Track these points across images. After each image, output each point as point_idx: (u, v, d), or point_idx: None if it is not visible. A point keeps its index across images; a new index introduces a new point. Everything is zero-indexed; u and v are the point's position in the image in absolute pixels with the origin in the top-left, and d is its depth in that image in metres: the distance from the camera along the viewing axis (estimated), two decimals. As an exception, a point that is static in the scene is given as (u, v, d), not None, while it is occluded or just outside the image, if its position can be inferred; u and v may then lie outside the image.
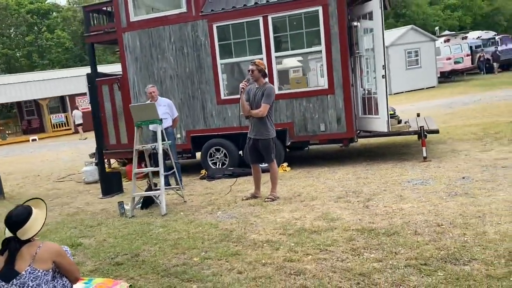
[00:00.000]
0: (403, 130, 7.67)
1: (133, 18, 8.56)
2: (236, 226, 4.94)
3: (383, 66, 7.27)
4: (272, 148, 5.93)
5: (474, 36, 28.18)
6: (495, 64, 26.30)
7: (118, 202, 6.18)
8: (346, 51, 7.45)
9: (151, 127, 7.05)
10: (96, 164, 9.52)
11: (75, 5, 39.88)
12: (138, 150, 6.31)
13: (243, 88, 5.87)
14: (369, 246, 3.86)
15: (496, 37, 29.37)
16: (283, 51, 8.00)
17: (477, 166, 6.45)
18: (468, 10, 40.63)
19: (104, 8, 9.35)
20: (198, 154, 8.95)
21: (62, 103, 25.42)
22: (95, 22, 9.15)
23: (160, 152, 6.09)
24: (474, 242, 3.64)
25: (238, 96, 8.12)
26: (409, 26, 24.37)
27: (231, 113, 8.26)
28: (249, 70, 5.94)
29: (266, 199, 5.93)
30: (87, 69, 25.97)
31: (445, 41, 25.34)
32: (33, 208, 3.11)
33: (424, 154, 7.31)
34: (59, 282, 3.06)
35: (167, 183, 7.23)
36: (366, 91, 7.95)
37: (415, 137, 9.08)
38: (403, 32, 23.75)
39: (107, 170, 9.99)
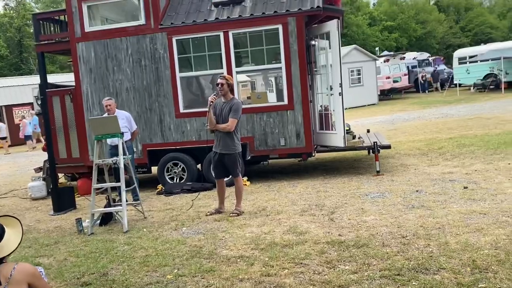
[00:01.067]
0: (358, 145, 8.01)
1: (88, 28, 8.30)
2: (205, 242, 4.89)
3: (339, 84, 7.58)
4: (238, 162, 5.97)
5: (410, 57, 30.03)
6: (434, 84, 28.20)
7: (76, 219, 5.91)
8: (305, 68, 7.69)
9: (109, 141, 6.82)
10: (44, 179, 9.06)
11: (11, 12, 37.79)
12: (98, 164, 6.08)
13: (211, 101, 5.87)
14: (342, 258, 3.99)
15: (430, 58, 31.60)
16: (244, 66, 8.10)
17: (427, 180, 6.86)
18: (404, 32, 43.25)
19: (56, 17, 8.98)
20: (154, 169, 8.78)
21: (-2, 114, 23.83)
22: (46, 30, 8.75)
23: (122, 166, 5.92)
24: (439, 252, 3.88)
25: (197, 110, 8.26)
26: (352, 46, 25.50)
27: (190, 126, 8.20)
28: (217, 84, 5.96)
29: (231, 214, 5.92)
30: (26, 79, 24.56)
31: (385, 61, 26.80)
32: (4, 226, 2.92)
33: (377, 168, 7.66)
34: None
35: (126, 199, 7.01)
36: (323, 108, 8.22)
37: (365, 152, 9.56)
38: (347, 52, 24.80)
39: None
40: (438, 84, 27.73)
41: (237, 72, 7.98)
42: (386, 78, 26.60)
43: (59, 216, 7.03)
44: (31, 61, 34.20)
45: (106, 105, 7.04)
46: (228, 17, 7.86)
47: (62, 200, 7.32)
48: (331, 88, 9.41)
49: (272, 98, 8.76)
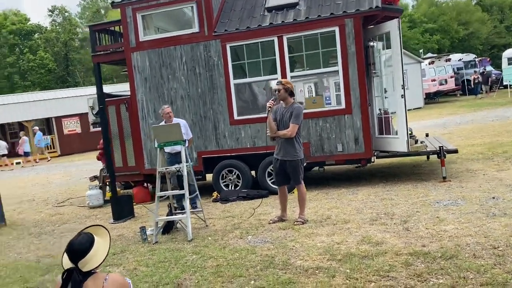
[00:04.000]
0: (421, 150, 7.64)
1: (142, 38, 8.38)
2: (275, 252, 4.72)
3: (402, 85, 7.27)
4: (300, 169, 5.77)
5: (456, 58, 29.00)
6: (484, 87, 26.84)
7: (140, 228, 5.88)
8: (363, 70, 7.44)
9: (168, 149, 6.78)
10: (100, 188, 9.19)
11: (57, 27, 39.39)
12: (161, 172, 6.04)
13: (270, 107, 5.73)
14: (432, 271, 3.71)
15: (476, 60, 30.39)
16: (299, 71, 7.93)
17: (501, 186, 6.43)
18: (446, 34, 41.94)
19: (111, 28, 9.15)
20: (209, 176, 8.71)
21: (47, 125, 24.74)
22: (101, 42, 8.92)
23: (185, 174, 5.85)
24: (544, 265, 3.54)
25: (252, 116, 8.16)
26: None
27: (245, 133, 8.10)
28: (275, 90, 5.82)
29: (296, 222, 5.73)
30: (74, 91, 25.36)
31: (429, 63, 25.97)
32: (94, 236, 2.85)
33: (444, 174, 7.27)
34: None
35: (182, 207, 6.95)
36: (383, 111, 7.92)
37: (424, 157, 9.14)
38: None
39: (107, 193, 9.66)
40: (488, 86, 26.42)
41: (292, 77, 7.81)
42: (432, 81, 25.76)
43: (119, 225, 7.06)
44: (77, 74, 35.43)
45: (167, 112, 7.02)
46: (282, 21, 7.73)
47: (121, 209, 7.35)
48: (385, 91, 9.12)
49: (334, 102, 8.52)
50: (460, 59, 29.28)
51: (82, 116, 24.06)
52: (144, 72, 8.47)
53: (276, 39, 7.76)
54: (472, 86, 25.59)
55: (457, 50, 37.59)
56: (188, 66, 8.25)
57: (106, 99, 8.66)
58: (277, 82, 5.91)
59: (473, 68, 28.59)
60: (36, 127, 22.01)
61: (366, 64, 7.61)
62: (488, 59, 34.19)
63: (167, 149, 7.05)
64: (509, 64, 25.31)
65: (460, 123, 15.97)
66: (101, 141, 9.82)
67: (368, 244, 4.61)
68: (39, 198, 11.00)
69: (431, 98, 26.30)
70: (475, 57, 30.80)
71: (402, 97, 7.28)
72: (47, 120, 24.41)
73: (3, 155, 20.65)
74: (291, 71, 7.78)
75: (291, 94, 5.79)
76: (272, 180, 7.99)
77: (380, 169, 9.15)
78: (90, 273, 2.73)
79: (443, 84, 26.38)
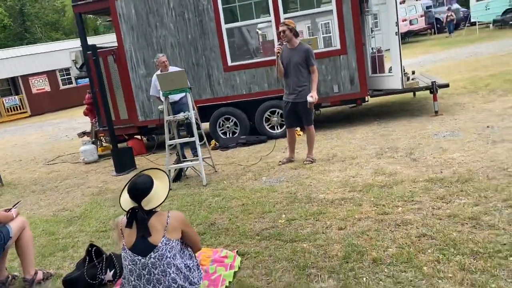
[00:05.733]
0: (415, 86, 7.86)
1: (126, -16, 8.01)
2: (295, 189, 4.91)
3: (396, 23, 7.34)
4: (312, 110, 5.87)
5: (426, -3, 29.06)
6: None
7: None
8: (357, 9, 7.44)
9: (172, 97, 6.69)
10: (94, 143, 9.08)
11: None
12: (169, 120, 6.02)
13: (278, 52, 5.73)
14: (453, 193, 3.99)
15: (444, -3, 30.59)
16: (292, 12, 7.84)
17: (492, 116, 6.77)
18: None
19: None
20: (205, 125, 8.71)
21: (13, 85, 23.64)
22: (81, -10, 8.45)
23: (193, 121, 5.86)
24: (555, 180, 3.86)
25: (246, 62, 8.11)
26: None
27: (240, 80, 8.07)
28: (280, 32, 5.79)
29: (305, 162, 5.91)
30: (39, 47, 24.10)
31: (400, 3, 25.95)
32: (153, 178, 2.91)
33: (436, 109, 7.56)
34: (185, 252, 2.93)
35: (184, 155, 7.00)
36: (376, 50, 8.02)
37: (410, 94, 9.42)
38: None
39: (99, 148, 9.57)
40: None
41: (286, 18, 7.71)
42: (403, 21, 25.87)
43: (123, 176, 7.07)
44: (38, 29, 33.48)
45: (162, 61, 6.87)
46: (273, -39, 7.52)
47: (123, 160, 7.33)
48: (372, 31, 9.17)
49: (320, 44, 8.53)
50: (429, -3, 29.37)
51: (50, 74, 23.11)
52: (130, 21, 8.16)
53: (267, -20, 7.58)
54: (444, 24, 25.76)
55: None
56: (177, 12, 8.00)
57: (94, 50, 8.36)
58: (281, 23, 5.85)
59: (442, 6, 28.83)
60: None
61: (359, 1, 7.59)
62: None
63: (171, 97, 6.96)
64: (477, 0, 25.63)
65: (435, 61, 16.34)
66: (87, 95, 9.59)
67: (382, 175, 4.86)
68: (26, 158, 10.75)
69: (402, 38, 26.51)
70: (443, -5, 30.96)
71: (396, 35, 7.37)
72: (13, 80, 23.30)
73: None
74: (284, 12, 7.68)
75: (296, 34, 5.78)
76: (270, 125, 8.11)
77: (370, 108, 9.40)
78: (152, 211, 2.83)
79: (413, 24, 26.61)
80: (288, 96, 5.87)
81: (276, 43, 6.64)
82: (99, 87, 7.32)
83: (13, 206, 3.78)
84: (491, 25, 24.73)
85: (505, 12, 24.12)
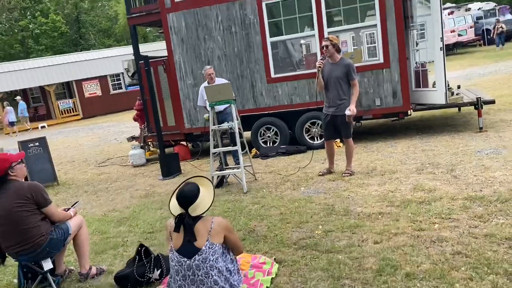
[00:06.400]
0: (459, 101, 7.78)
1: (177, -2, 8.44)
2: (332, 201, 5.04)
3: (440, 38, 7.32)
4: (351, 123, 6.00)
5: (475, 7, 28.24)
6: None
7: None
8: (401, 23, 7.48)
9: (217, 107, 7.00)
10: (142, 147, 9.56)
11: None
12: (214, 130, 6.32)
13: (320, 67, 5.90)
14: (492, 212, 4.00)
15: (496, 8, 29.56)
16: (336, 26, 7.98)
17: (540, 134, 6.62)
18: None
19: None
20: (246, 134, 8.98)
21: (68, 89, 25.05)
22: (136, 3, 8.99)
23: (237, 131, 6.12)
24: None
25: (288, 74, 8.34)
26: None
27: (282, 91, 8.28)
28: (323, 47, 5.96)
29: (344, 174, 6.03)
30: (92, 54, 25.43)
31: (449, 14, 25.39)
32: (199, 185, 3.16)
33: (481, 125, 7.45)
34: (227, 256, 3.15)
35: (226, 163, 7.28)
36: (420, 64, 8.01)
37: (455, 109, 9.28)
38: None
39: (147, 153, 10.04)
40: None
41: (329, 33, 7.88)
42: (451, 32, 25.28)
43: (169, 181, 7.44)
44: (92, 36, 35.24)
45: (209, 73, 7.18)
46: (319, -24, 7.71)
47: (169, 166, 7.71)
48: (417, 44, 9.14)
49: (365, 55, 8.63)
50: (479, 8, 28.50)
51: (101, 79, 24.29)
52: (181, 33, 8.59)
53: (312, -5, 7.77)
54: (493, 36, 24.85)
55: (475, -1, 36.46)
56: (224, 26, 8.34)
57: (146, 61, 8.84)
58: (324, 38, 6.03)
59: (493, 17, 27.88)
60: (19, 97, 21.94)
61: (404, 17, 7.63)
62: (508, 7, 33.23)
63: (217, 108, 7.27)
64: (531, 12, 24.67)
65: (484, 74, 15.89)
66: (137, 102, 10.13)
67: (421, 191, 4.90)
68: (78, 159, 11.43)
69: (450, 49, 25.88)
70: (495, 5, 29.93)
71: (440, 50, 7.35)
72: (67, 84, 24.70)
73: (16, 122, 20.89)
74: (328, 26, 7.84)
75: (338, 50, 5.93)
76: (309, 136, 8.26)
77: (413, 122, 9.34)
78: (198, 217, 3.07)
79: (462, 35, 25.91)
80: (328, 109, 6.03)
81: (319, 56, 6.81)
82: (150, 95, 7.74)
83: (72, 206, 4.16)
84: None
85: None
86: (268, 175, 6.75)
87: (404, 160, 6.43)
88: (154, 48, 20.33)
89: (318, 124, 8.10)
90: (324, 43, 5.93)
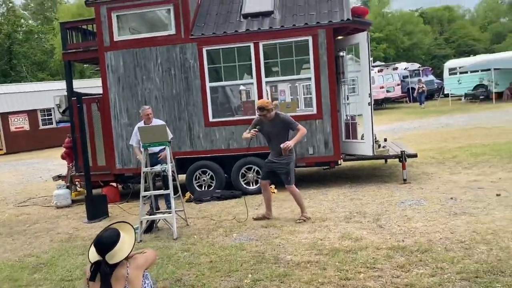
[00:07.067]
0: (385, 154, 8.24)
1: (117, 38, 8.38)
2: (264, 248, 5.02)
3: (369, 94, 7.82)
4: (292, 171, 6.11)
5: (402, 67, 30.73)
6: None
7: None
8: (334, 79, 7.92)
9: (151, 149, 6.84)
10: (68, 187, 9.05)
11: (1, 18, 37.30)
12: (145, 172, 6.15)
13: (253, 136, 6.09)
14: (412, 262, 4.17)
15: (420, 69, 32.37)
16: (274, 76, 8.28)
17: (456, 188, 7.12)
18: (392, 43, 44.19)
19: (83, 26, 9.04)
20: (181, 177, 8.84)
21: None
22: (73, 39, 8.80)
23: (170, 174, 6.01)
24: (507, 256, 4.10)
25: (226, 119, 8.44)
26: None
27: (219, 135, 8.32)
28: (260, 115, 6.06)
29: (298, 221, 5.99)
30: (24, 86, 24.16)
31: (378, 71, 27.36)
32: (120, 231, 3.02)
33: (405, 177, 7.90)
34: (147, 283, 3.01)
35: (157, 207, 7.07)
36: (350, 117, 8.45)
37: (382, 160, 9.81)
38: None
39: (73, 193, 9.51)
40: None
41: (267, 82, 8.17)
42: (380, 88, 27.12)
43: (95, 224, 7.05)
44: (24, 68, 33.72)
45: (147, 113, 7.06)
46: (258, 28, 8.05)
47: (96, 208, 7.33)
48: (347, 98, 9.68)
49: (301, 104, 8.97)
50: (405, 68, 31.04)
51: (31, 113, 23.08)
52: (118, 72, 8.46)
53: (252, 45, 8.06)
54: (415, 95, 26.99)
55: (402, 59, 39.72)
56: (163, 68, 8.35)
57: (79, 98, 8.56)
58: (258, 108, 6.07)
59: (417, 76, 30.44)
60: None
61: (336, 72, 8.10)
62: (431, 69, 36.52)
63: (150, 149, 7.12)
64: (450, 74, 27.25)
65: (408, 129, 17.07)
66: (67, 139, 9.68)
67: (349, 239, 5.03)
68: (-5, 198, 10.56)
69: (379, 104, 27.68)
70: (419, 66, 32.79)
71: (369, 105, 7.84)
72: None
73: None
74: (266, 76, 8.12)
75: (273, 109, 6.11)
76: (245, 181, 8.29)
77: (343, 171, 9.71)
78: (116, 264, 2.91)
79: (390, 92, 27.90)
80: (273, 158, 6.14)
81: (256, 101, 6.95)
82: (80, 133, 7.44)
83: None
84: (463, 98, 26.15)
85: (476, 87, 25.64)
86: (200, 221, 6.62)
87: (334, 208, 6.61)
88: (91, 85, 19.79)
89: (254, 169, 8.17)
90: (261, 113, 6.01)
